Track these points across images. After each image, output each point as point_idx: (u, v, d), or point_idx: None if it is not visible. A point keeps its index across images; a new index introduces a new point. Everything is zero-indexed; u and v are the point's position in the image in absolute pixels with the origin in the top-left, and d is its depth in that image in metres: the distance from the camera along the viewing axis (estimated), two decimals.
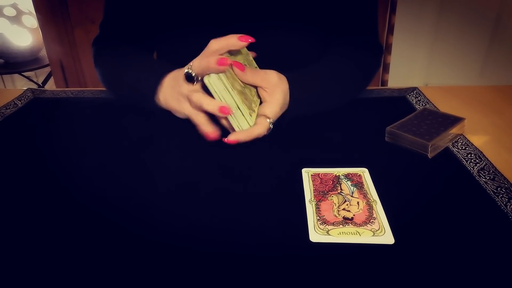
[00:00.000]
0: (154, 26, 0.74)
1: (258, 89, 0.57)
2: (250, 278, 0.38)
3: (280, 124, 0.59)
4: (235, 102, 0.52)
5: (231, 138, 0.53)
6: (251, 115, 0.54)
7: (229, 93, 0.52)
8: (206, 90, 0.54)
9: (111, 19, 0.75)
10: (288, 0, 0.69)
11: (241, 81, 0.56)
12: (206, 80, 0.52)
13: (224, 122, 0.57)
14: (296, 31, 0.71)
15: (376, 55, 0.76)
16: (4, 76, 2.29)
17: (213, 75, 0.52)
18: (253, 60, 0.62)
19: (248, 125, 0.53)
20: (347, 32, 0.73)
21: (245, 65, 0.56)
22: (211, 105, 0.52)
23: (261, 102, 0.58)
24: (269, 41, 0.71)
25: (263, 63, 0.62)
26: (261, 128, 0.54)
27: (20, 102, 0.79)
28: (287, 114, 0.60)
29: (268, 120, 0.55)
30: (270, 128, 0.55)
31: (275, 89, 0.56)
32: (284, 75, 0.59)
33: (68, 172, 0.55)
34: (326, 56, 0.71)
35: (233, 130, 0.54)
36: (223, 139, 0.54)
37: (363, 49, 0.73)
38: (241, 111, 0.52)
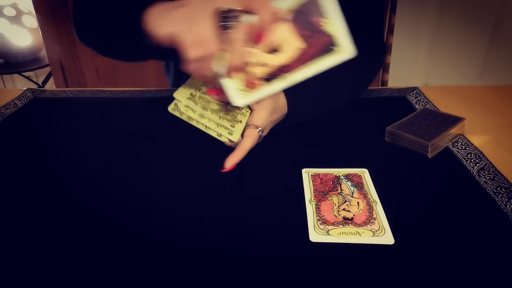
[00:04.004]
0: None
1: None
2: (250, 278, 0.38)
3: (282, 129, 0.59)
4: (209, 122, 0.53)
5: (229, 164, 0.52)
6: (233, 126, 0.54)
7: (201, 116, 0.52)
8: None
9: None
10: None
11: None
12: (172, 109, 0.53)
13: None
14: None
15: (379, 55, 0.76)
16: (4, 76, 2.29)
17: (179, 106, 0.52)
18: None
19: (227, 133, 0.54)
20: (353, 30, 0.73)
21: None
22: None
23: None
24: None
25: None
26: (250, 140, 0.54)
27: (20, 102, 0.79)
28: (288, 121, 0.60)
29: (256, 129, 0.54)
30: (260, 136, 0.55)
31: None
32: None
33: (68, 172, 0.55)
34: None
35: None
36: (222, 170, 0.52)
37: (366, 49, 0.72)
38: (215, 129, 0.53)
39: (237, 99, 0.46)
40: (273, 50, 0.42)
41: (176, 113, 0.54)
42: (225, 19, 0.38)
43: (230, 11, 0.38)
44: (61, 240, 0.43)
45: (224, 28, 0.38)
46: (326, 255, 0.40)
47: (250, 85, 0.45)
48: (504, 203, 0.46)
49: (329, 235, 0.42)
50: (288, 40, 0.43)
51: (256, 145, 0.56)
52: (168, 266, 0.39)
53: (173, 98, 0.53)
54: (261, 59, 0.43)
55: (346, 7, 0.72)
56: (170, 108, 0.54)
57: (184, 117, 0.54)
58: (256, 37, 0.41)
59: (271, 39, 0.42)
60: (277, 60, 0.43)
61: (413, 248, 0.40)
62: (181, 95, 0.52)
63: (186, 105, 0.52)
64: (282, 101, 0.58)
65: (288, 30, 0.43)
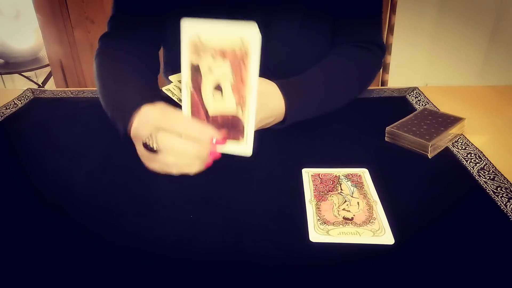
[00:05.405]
0: (163, 21, 0.74)
1: None
2: (250, 278, 0.38)
3: (280, 129, 0.59)
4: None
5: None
6: None
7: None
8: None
9: (122, 12, 0.71)
10: None
11: None
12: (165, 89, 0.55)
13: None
14: (306, 23, 0.71)
15: (378, 55, 0.76)
16: (4, 76, 2.29)
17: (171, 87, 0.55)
18: None
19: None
20: (351, 30, 0.73)
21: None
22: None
23: None
24: (280, 33, 0.71)
25: (272, 60, 0.61)
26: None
27: (20, 102, 0.79)
28: (286, 121, 0.60)
29: None
30: None
31: None
32: (275, 81, 0.59)
33: (67, 172, 0.55)
34: (326, 58, 0.70)
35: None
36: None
37: (365, 50, 0.72)
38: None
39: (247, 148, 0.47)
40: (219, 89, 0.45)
41: (169, 93, 0.55)
42: (146, 146, 0.46)
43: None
44: (61, 240, 0.43)
45: (151, 151, 0.46)
46: (326, 255, 0.40)
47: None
48: (504, 203, 0.46)
49: (329, 235, 0.42)
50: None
51: (257, 145, 0.56)
52: (168, 266, 0.39)
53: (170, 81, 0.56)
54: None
55: (344, 8, 0.73)
56: (165, 88, 0.56)
57: (175, 98, 0.55)
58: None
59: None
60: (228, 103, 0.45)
61: (413, 248, 0.40)
62: (175, 78, 0.56)
63: (175, 85, 0.55)
64: (276, 101, 0.58)
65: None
